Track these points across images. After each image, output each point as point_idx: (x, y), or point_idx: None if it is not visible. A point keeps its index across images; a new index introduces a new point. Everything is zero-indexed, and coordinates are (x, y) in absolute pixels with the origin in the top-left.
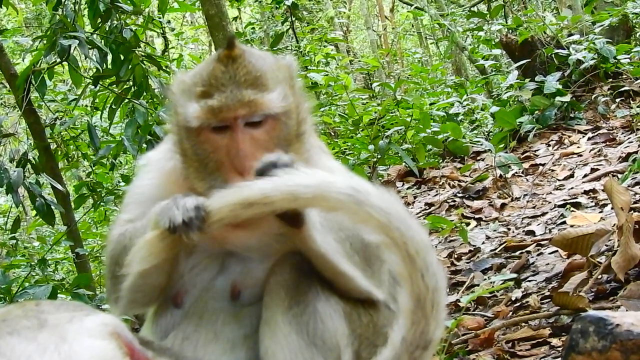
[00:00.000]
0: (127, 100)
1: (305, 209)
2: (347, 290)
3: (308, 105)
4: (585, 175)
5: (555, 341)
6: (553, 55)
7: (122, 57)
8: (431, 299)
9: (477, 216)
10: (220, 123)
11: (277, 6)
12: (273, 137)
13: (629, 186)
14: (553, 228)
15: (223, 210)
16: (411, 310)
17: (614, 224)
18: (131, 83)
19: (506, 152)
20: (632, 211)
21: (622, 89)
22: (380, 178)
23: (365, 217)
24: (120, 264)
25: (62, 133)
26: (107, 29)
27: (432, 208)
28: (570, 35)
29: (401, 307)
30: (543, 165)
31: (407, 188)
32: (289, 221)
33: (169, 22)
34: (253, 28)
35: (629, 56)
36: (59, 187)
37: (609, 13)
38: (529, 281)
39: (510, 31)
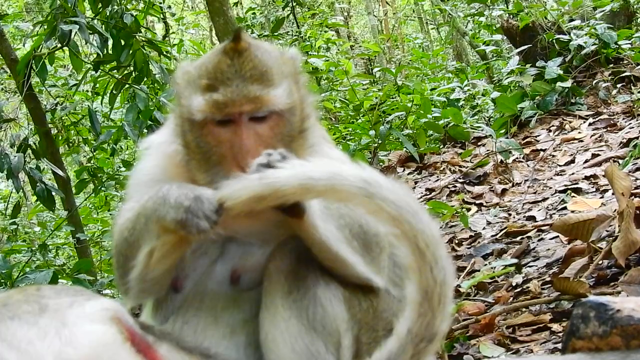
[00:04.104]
0: (127, 85)
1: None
2: (346, 276)
3: (312, 100)
4: (586, 161)
5: (555, 326)
6: (554, 41)
7: (122, 43)
8: (439, 293)
9: (477, 201)
10: (225, 117)
11: None
12: (277, 133)
13: (629, 172)
14: (554, 213)
15: (238, 207)
16: (418, 303)
17: (615, 210)
18: (132, 68)
19: (507, 138)
20: (632, 197)
21: (623, 75)
22: (381, 163)
23: (376, 210)
24: (125, 256)
25: (62, 118)
26: (107, 14)
27: (433, 193)
28: (571, 20)
29: (408, 300)
30: (544, 150)
31: (408, 173)
32: (289, 211)
33: (169, 7)
34: (254, 13)
35: (630, 42)
36: (60, 172)
37: None
38: (530, 266)
39: (511, 16)
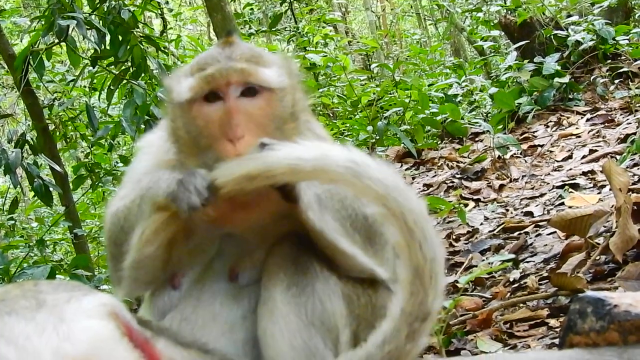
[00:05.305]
0: (125, 81)
1: (303, 182)
2: (348, 268)
3: (304, 87)
4: (584, 157)
5: (553, 322)
6: (552, 37)
7: (120, 38)
8: (429, 270)
9: (475, 197)
10: (213, 89)
11: None
12: (267, 113)
13: (627, 167)
14: (551, 209)
15: (229, 184)
16: (409, 281)
17: (612, 205)
18: (129, 64)
19: (505, 133)
20: (630, 192)
21: (621, 70)
22: (378, 159)
23: (364, 189)
24: (118, 244)
25: (60, 114)
26: (105, 9)
27: (431, 189)
28: (569, 16)
29: (399, 278)
30: (541, 146)
31: (406, 169)
32: (284, 194)
33: (167, 2)
34: (252, 9)
35: (627, 37)
36: (57, 168)
37: None
38: (527, 262)
39: (509, 12)
